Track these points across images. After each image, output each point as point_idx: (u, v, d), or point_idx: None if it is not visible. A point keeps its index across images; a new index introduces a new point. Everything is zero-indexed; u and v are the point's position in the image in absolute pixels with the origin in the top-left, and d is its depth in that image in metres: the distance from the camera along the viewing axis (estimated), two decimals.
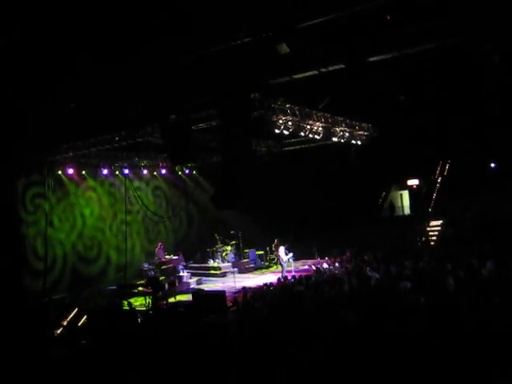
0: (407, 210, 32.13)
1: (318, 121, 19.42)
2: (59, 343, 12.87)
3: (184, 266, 24.42)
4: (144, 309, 17.44)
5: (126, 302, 16.80)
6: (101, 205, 24.75)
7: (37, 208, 21.65)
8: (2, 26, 11.21)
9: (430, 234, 25.55)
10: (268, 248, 26.38)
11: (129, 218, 25.79)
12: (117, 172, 25.13)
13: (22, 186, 21.19)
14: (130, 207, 26.01)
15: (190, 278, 23.49)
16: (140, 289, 19.92)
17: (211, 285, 22.54)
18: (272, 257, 26.30)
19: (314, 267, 20.44)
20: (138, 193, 26.23)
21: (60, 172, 22.60)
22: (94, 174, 24.37)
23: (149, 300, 18.34)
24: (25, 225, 21.17)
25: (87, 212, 24.03)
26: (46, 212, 21.52)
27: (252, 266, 25.84)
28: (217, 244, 25.87)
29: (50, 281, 21.61)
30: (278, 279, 17.86)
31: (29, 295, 19.34)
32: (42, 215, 21.59)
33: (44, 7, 10.77)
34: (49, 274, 21.64)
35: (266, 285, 16.75)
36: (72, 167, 22.83)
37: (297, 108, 18.08)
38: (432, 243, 24.13)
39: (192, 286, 22.28)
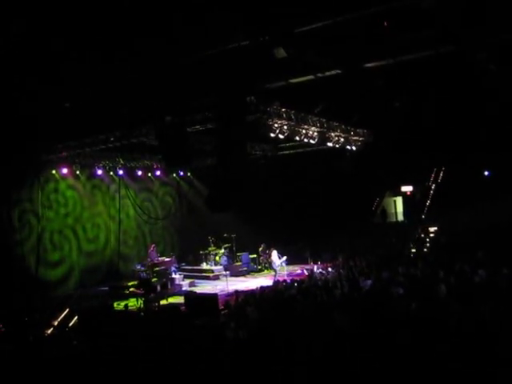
0: (401, 217, 32.22)
1: (313, 125, 19.46)
2: (49, 344, 12.79)
3: (176, 267, 24.37)
4: (135, 310, 17.40)
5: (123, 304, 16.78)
6: (94, 205, 24.68)
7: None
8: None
9: (423, 240, 25.62)
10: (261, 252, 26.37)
11: (122, 218, 25.75)
12: (111, 173, 25.09)
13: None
14: (124, 208, 25.95)
15: (183, 280, 23.43)
16: (132, 290, 19.86)
17: (203, 287, 22.50)
18: (261, 261, 26.34)
19: (306, 272, 20.44)
20: (132, 194, 26.16)
21: (54, 171, 22.56)
22: (88, 174, 24.31)
23: (140, 301, 18.30)
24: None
25: (80, 211, 23.96)
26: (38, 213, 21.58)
27: (245, 269, 25.77)
28: (210, 247, 25.83)
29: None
30: (274, 283, 17.86)
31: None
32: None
33: (42, 5, 10.77)
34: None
35: (258, 288, 16.74)
36: (66, 167, 22.77)
37: (292, 112, 18.12)
38: (425, 250, 24.19)
39: (184, 289, 22.22)
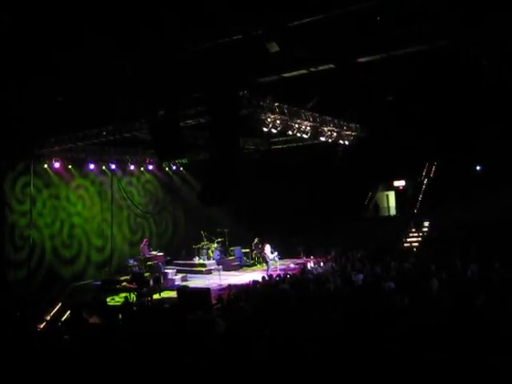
0: (393, 211, 32.31)
1: (306, 120, 19.46)
2: (42, 338, 12.75)
3: (161, 262, 24.19)
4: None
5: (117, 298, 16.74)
6: (86, 199, 24.56)
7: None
8: None
9: (415, 235, 25.73)
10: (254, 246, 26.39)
11: (114, 213, 25.65)
12: (103, 167, 24.96)
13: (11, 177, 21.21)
14: (116, 202, 25.84)
15: (175, 275, 23.41)
16: (125, 284, 19.83)
17: (196, 282, 22.48)
18: (253, 255, 26.35)
19: (299, 266, 20.48)
20: (125, 188, 26.08)
21: (46, 166, 22.42)
22: (81, 168, 24.14)
23: (133, 296, 18.27)
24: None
25: (72, 206, 23.85)
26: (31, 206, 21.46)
27: (237, 263, 25.80)
28: (202, 241, 25.81)
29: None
30: (263, 277, 17.86)
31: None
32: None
33: None
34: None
35: (251, 283, 16.75)
36: (58, 161, 22.62)
37: (285, 107, 18.12)
38: (417, 244, 24.29)
39: (177, 283, 22.21)
